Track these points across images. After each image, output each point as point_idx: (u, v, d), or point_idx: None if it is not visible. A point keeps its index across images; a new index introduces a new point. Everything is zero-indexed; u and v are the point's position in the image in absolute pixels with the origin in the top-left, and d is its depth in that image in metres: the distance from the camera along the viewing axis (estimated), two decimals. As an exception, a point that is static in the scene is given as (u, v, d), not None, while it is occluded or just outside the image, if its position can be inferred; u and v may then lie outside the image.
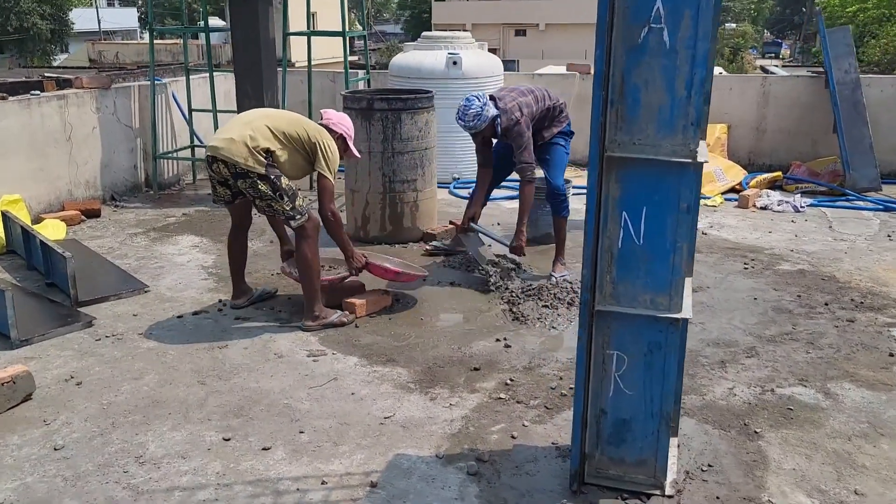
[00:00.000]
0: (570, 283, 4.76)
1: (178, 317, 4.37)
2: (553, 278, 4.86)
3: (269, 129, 4.09)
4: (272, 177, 4.05)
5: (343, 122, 4.43)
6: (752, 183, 7.19)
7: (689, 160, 2.40)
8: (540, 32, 35.99)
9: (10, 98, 5.77)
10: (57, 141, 6.19)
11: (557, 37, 35.00)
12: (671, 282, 2.52)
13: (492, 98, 4.90)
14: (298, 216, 4.12)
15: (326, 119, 4.38)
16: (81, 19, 47.44)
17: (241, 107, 6.80)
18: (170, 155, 7.39)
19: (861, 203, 6.88)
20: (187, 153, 7.59)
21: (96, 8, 50.26)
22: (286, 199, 4.08)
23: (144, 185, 7.28)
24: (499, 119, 4.79)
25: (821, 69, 20.63)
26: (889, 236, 5.95)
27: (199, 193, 7.31)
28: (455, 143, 7.43)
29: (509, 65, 27.32)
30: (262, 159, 4.04)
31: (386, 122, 5.58)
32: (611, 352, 2.63)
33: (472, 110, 4.69)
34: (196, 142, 7.57)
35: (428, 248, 5.58)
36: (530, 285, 4.72)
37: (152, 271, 5.15)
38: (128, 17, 56.32)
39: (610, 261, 2.55)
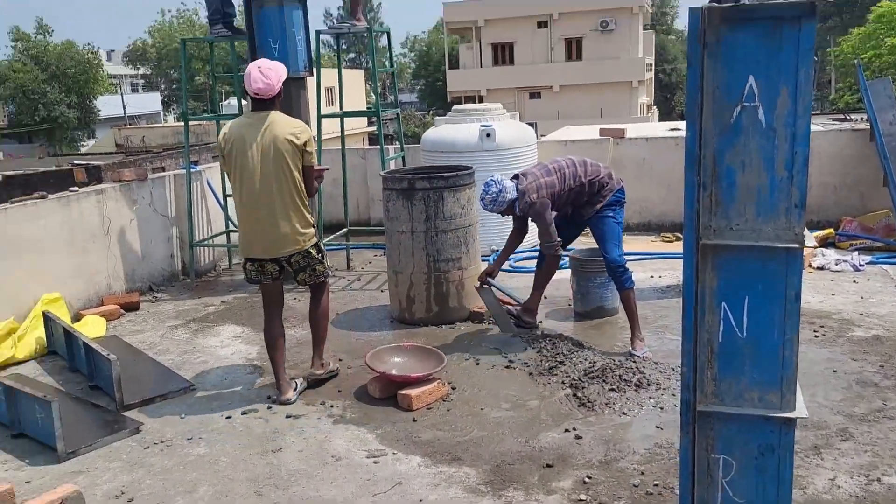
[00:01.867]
0: (656, 363, 4.56)
1: (227, 417, 4.18)
2: (635, 356, 4.65)
3: (291, 194, 4.08)
4: (318, 241, 4.34)
5: (278, 73, 4.09)
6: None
7: (796, 245, 2.21)
8: (555, 94, 36.43)
9: (50, 196, 5.74)
10: (95, 236, 6.13)
11: (572, 97, 35.41)
12: (782, 377, 2.29)
13: (516, 177, 5.02)
14: (329, 272, 4.48)
15: (268, 85, 4.02)
16: (107, 105, 48.86)
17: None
18: (206, 242, 7.32)
19: (922, 258, 6.60)
20: (222, 239, 7.51)
21: (121, 95, 51.81)
22: (324, 258, 4.39)
23: (181, 274, 7.20)
24: (516, 203, 4.94)
25: (841, 116, 20.46)
26: (959, 292, 5.67)
27: (236, 279, 7.20)
28: (492, 215, 7.29)
29: (527, 128, 27.56)
30: (312, 230, 4.25)
31: (428, 202, 5.46)
32: (716, 456, 2.39)
33: (488, 195, 4.93)
34: (231, 227, 7.50)
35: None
36: (593, 365, 4.49)
37: (196, 367, 4.98)
38: (151, 102, 57.89)
39: (710, 356, 2.33)
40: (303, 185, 4.14)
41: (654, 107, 41.13)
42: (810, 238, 7.06)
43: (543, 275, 5.35)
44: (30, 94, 43.11)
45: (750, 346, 2.29)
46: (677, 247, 7.08)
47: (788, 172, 2.17)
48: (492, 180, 4.95)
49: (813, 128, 2.22)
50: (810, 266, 6.44)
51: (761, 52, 2.12)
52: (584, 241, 7.14)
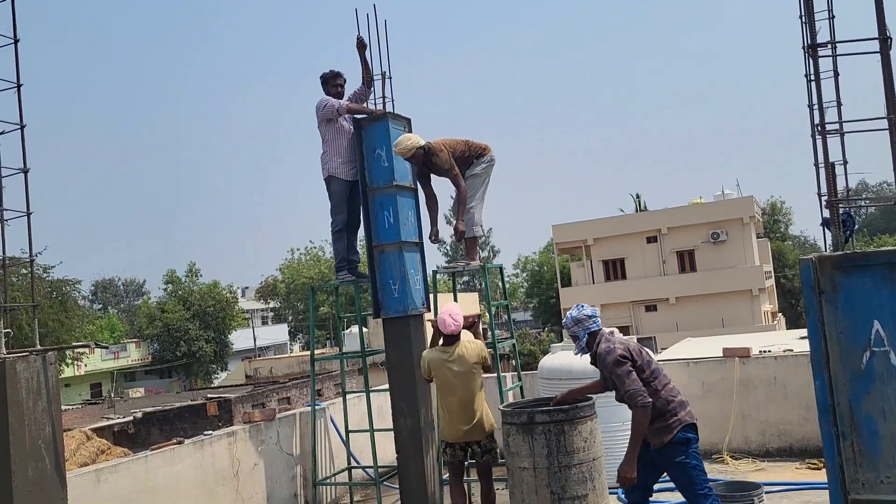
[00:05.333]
0: None
1: None
2: None
3: (478, 397, 5.55)
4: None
5: (461, 313, 5.63)
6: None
7: (961, 500, 2.00)
8: (671, 306, 35.98)
9: (186, 441, 6.04)
10: (225, 478, 6.31)
11: (690, 308, 34.82)
12: None
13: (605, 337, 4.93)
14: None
15: (457, 326, 5.52)
16: (239, 339, 52.19)
17: (397, 424, 6.82)
18: (328, 481, 7.36)
19: None
20: (344, 476, 7.53)
21: (252, 329, 55.32)
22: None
23: (304, 514, 7.18)
24: (597, 343, 4.87)
25: None
26: None
27: (357, 519, 7.10)
28: (618, 444, 7.01)
29: (645, 342, 27.04)
30: (492, 418, 5.63)
31: (549, 436, 5.33)
32: None
33: (576, 313, 4.94)
34: (353, 463, 7.54)
35: None
36: None
37: None
38: (279, 333, 61.38)
39: None
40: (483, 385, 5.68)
41: (780, 314, 39.71)
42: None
43: (632, 431, 4.78)
44: (174, 332, 46.86)
45: None
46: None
47: (937, 421, 2.03)
48: (589, 307, 4.97)
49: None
50: None
51: (883, 296, 2.08)
52: (720, 471, 6.67)
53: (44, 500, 3.73)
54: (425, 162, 6.71)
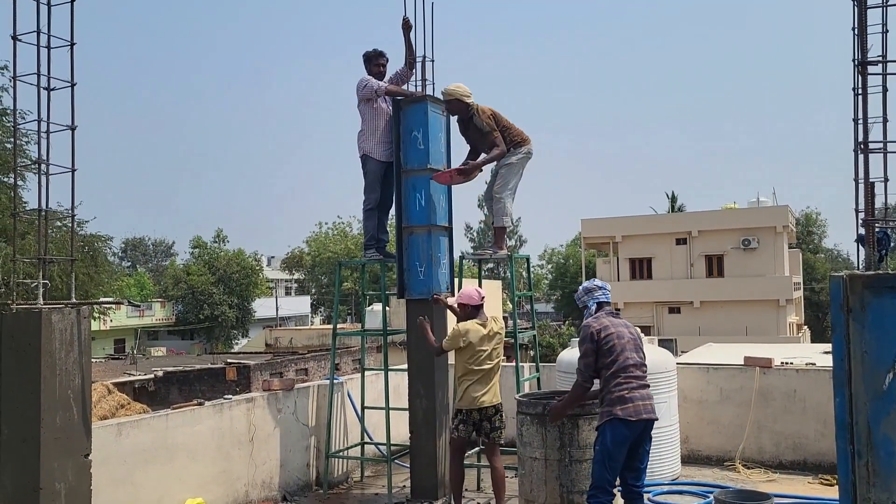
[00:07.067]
0: None
1: None
2: None
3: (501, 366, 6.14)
4: None
5: (479, 290, 6.17)
6: None
7: (973, 529, 2.01)
8: (695, 310, 35.63)
9: (207, 403, 6.17)
10: (241, 442, 6.44)
11: (714, 313, 34.47)
12: None
13: (615, 311, 5.28)
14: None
15: (483, 298, 6.06)
16: (262, 307, 52.78)
17: (413, 405, 6.90)
18: (341, 454, 7.47)
19: None
20: (357, 451, 7.64)
21: (275, 298, 55.89)
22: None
23: (315, 484, 7.30)
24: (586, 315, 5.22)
25: None
26: None
27: (366, 493, 7.21)
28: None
29: (665, 344, 26.77)
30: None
31: (563, 429, 5.38)
32: None
33: (588, 284, 5.37)
34: (366, 439, 7.65)
35: None
36: None
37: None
38: (301, 304, 61.88)
39: None
40: None
41: (806, 327, 39.19)
42: None
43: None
44: (198, 295, 47.54)
45: None
46: (838, 491, 6.44)
47: (956, 447, 2.03)
48: (600, 281, 5.39)
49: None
50: None
51: (911, 319, 2.09)
52: (731, 478, 6.67)
53: (69, 449, 3.85)
54: (462, 118, 6.80)
